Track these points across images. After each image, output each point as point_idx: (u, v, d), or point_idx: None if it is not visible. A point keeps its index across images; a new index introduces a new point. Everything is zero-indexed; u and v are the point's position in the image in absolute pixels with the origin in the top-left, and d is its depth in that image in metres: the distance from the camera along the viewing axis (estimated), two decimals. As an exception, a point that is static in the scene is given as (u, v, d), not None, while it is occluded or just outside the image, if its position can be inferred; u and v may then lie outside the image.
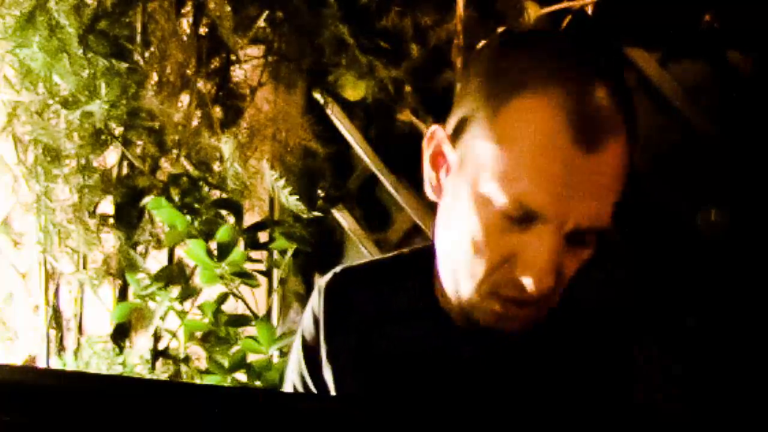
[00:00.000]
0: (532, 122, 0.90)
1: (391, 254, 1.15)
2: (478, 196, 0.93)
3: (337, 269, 1.18)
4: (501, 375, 1.01)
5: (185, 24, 2.11)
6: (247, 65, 2.17)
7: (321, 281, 1.17)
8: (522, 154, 0.90)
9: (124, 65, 1.99)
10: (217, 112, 2.12)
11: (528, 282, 0.92)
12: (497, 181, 0.91)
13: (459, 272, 0.98)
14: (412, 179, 2.21)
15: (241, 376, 1.92)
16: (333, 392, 1.11)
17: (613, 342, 0.99)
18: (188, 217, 1.93)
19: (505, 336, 0.98)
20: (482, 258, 0.95)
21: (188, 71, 2.07)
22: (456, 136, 0.97)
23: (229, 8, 2.04)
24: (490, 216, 0.93)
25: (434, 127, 1.01)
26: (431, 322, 1.04)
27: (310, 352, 1.16)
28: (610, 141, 0.91)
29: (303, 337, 1.17)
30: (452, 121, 0.98)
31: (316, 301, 1.16)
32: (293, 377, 1.19)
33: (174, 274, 2.04)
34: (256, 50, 2.17)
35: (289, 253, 2.04)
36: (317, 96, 2.25)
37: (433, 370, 1.03)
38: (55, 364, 2.16)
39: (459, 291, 0.98)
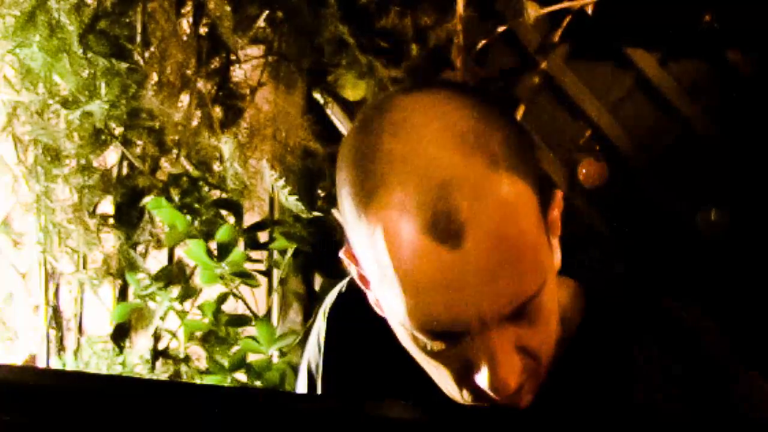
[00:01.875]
0: (386, 235, 0.78)
1: None
2: (396, 322, 0.84)
3: (343, 287, 1.08)
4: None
5: (185, 24, 2.11)
6: (247, 65, 2.16)
7: (325, 303, 1.09)
8: (395, 276, 0.79)
9: (124, 65, 1.99)
10: (217, 112, 2.11)
11: (489, 390, 0.82)
12: (399, 317, 0.82)
13: (435, 381, 0.89)
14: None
15: (241, 376, 1.92)
16: None
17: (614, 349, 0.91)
18: (188, 217, 1.93)
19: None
20: (440, 375, 0.86)
21: (188, 71, 2.07)
22: (357, 256, 0.86)
23: (229, 8, 2.04)
24: (419, 346, 0.84)
25: (341, 254, 0.91)
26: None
27: (311, 374, 1.10)
28: (473, 218, 0.76)
29: (309, 359, 1.11)
30: (350, 240, 0.87)
31: (320, 324, 1.09)
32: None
33: (174, 274, 2.04)
34: (256, 50, 2.17)
35: (289, 253, 2.04)
36: (317, 96, 2.24)
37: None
38: (55, 364, 2.16)
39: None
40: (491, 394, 0.82)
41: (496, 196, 0.77)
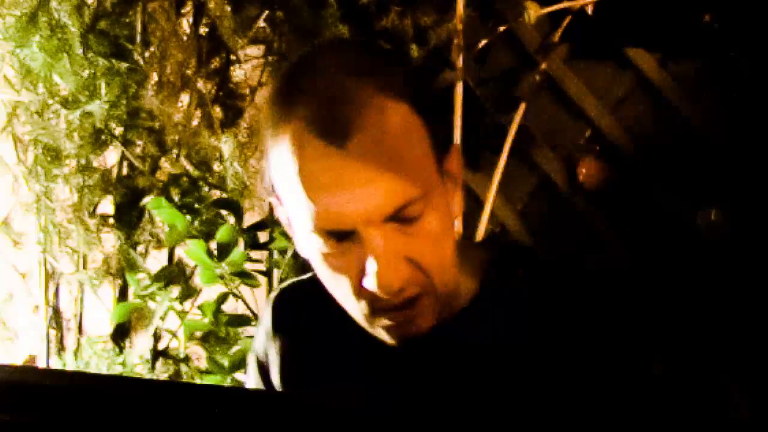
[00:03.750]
0: (291, 147, 0.93)
1: None
2: (305, 239, 0.97)
3: (285, 283, 1.20)
4: (439, 371, 1.01)
5: (185, 24, 2.11)
6: (247, 65, 2.17)
7: (270, 296, 1.19)
8: (299, 182, 0.92)
9: (124, 65, 1.99)
10: (217, 112, 2.12)
11: (374, 288, 0.93)
12: (303, 221, 0.94)
13: (344, 306, 1.00)
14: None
15: (241, 376, 1.92)
16: None
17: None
18: (188, 217, 1.93)
19: (424, 336, 0.98)
20: (342, 287, 0.97)
21: (188, 71, 2.07)
22: (277, 191, 1.00)
23: (229, 8, 2.04)
24: (320, 251, 0.96)
25: (270, 198, 1.05)
26: (358, 335, 1.03)
27: (262, 368, 1.17)
28: (358, 123, 0.91)
29: (257, 352, 1.19)
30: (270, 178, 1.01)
31: (266, 316, 1.18)
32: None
33: (174, 274, 2.04)
34: (256, 50, 2.17)
35: (289, 253, 2.04)
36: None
37: (374, 383, 1.03)
38: (55, 364, 2.16)
39: (354, 319, 1.00)
40: (377, 292, 0.93)
41: (380, 111, 0.91)
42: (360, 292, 0.96)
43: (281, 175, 0.95)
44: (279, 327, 1.16)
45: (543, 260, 1.08)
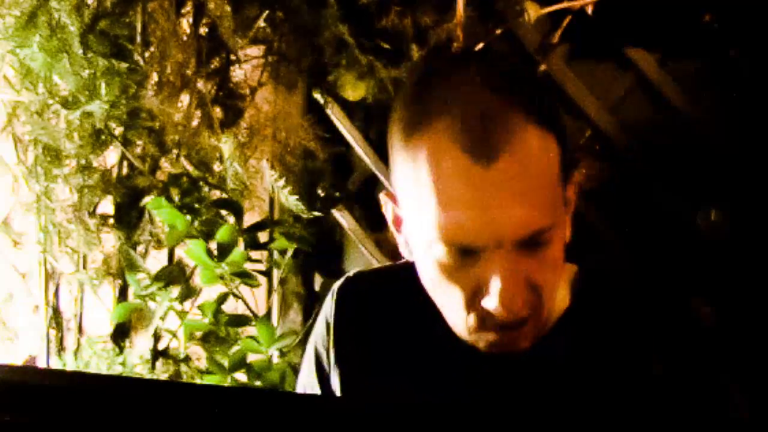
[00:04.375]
0: (429, 157, 0.92)
1: (402, 261, 1.14)
2: (424, 246, 0.96)
3: (351, 273, 1.18)
4: (514, 389, 1.01)
5: (185, 24, 2.11)
6: (247, 65, 2.16)
7: (334, 285, 1.17)
8: (432, 193, 0.92)
9: (124, 65, 1.99)
10: (217, 112, 2.11)
11: (497, 310, 0.93)
12: (428, 230, 0.93)
13: (444, 314, 1.00)
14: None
15: (241, 376, 1.92)
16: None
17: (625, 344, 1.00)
18: (188, 217, 1.93)
19: (515, 355, 0.99)
20: (452, 299, 0.97)
21: (188, 71, 2.07)
22: (396, 192, 1.00)
23: (229, 8, 2.04)
24: (439, 261, 0.95)
25: (381, 195, 1.06)
26: (441, 336, 1.03)
27: (319, 358, 1.16)
28: (506, 145, 0.90)
29: (315, 343, 1.17)
30: (392, 179, 1.02)
31: (328, 305, 1.16)
32: (305, 381, 1.19)
33: (174, 274, 2.04)
34: (256, 50, 2.17)
35: (289, 253, 2.04)
36: (317, 96, 2.24)
37: (442, 383, 1.03)
38: (55, 364, 2.16)
39: (453, 328, 1.00)
40: (499, 311, 0.93)
41: (527, 136, 0.90)
42: (472, 306, 0.96)
43: (411, 181, 0.94)
44: (343, 318, 1.14)
45: (630, 272, 1.10)
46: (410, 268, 1.11)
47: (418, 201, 0.93)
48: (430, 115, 0.92)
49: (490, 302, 0.93)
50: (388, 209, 1.05)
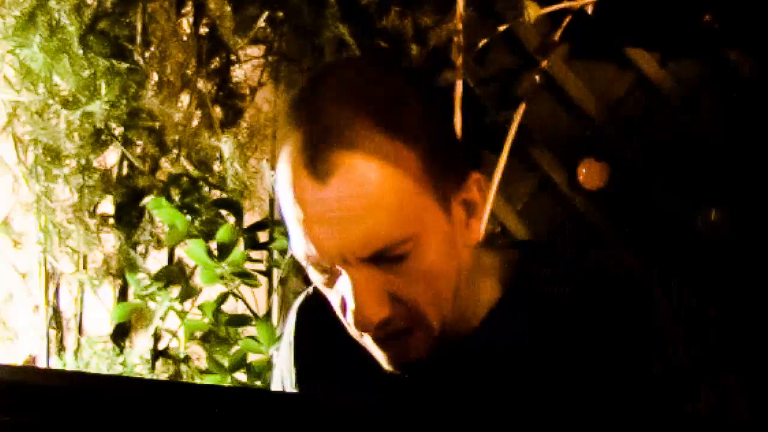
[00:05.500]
0: (284, 171, 0.92)
1: None
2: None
3: (310, 288, 1.15)
4: (460, 384, 0.99)
5: (185, 24, 2.11)
6: (247, 65, 2.16)
7: (295, 302, 1.16)
8: (285, 208, 0.92)
9: (124, 65, 1.99)
10: (217, 112, 2.11)
11: (353, 323, 0.93)
12: (295, 251, 0.94)
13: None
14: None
15: (241, 376, 1.92)
16: None
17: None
18: (188, 217, 1.93)
19: (444, 351, 0.97)
20: (337, 309, 0.97)
21: (188, 71, 2.07)
22: None
23: (229, 8, 2.04)
24: (311, 275, 0.96)
25: None
26: None
27: (283, 382, 1.14)
28: (345, 161, 0.88)
29: (281, 367, 1.15)
30: None
31: (290, 324, 1.14)
32: None
33: (174, 274, 2.04)
34: (256, 50, 2.17)
35: (289, 253, 2.04)
36: (317, 96, 2.24)
37: (389, 395, 1.01)
38: (55, 364, 2.16)
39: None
40: (354, 326, 0.93)
41: (370, 150, 0.88)
42: (346, 315, 0.95)
43: (279, 193, 0.95)
44: (303, 336, 1.13)
45: (567, 257, 1.05)
46: None
47: (285, 217, 0.94)
48: (291, 124, 0.93)
49: (348, 316, 0.93)
50: None
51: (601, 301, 0.97)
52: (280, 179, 0.93)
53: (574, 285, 0.98)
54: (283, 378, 1.14)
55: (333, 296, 0.96)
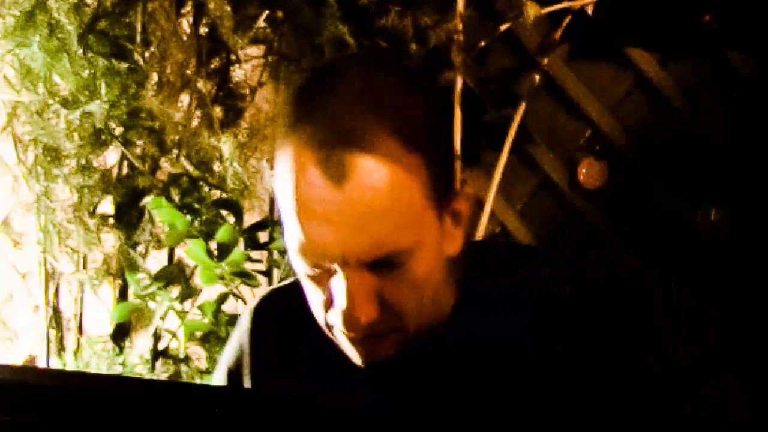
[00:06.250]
0: (292, 163, 0.91)
1: None
2: (292, 256, 0.95)
3: (266, 291, 1.16)
4: (422, 383, 0.99)
5: (185, 24, 2.11)
6: (247, 65, 2.16)
7: (249, 306, 1.15)
8: (289, 200, 0.91)
9: (124, 65, 1.99)
10: (217, 112, 2.11)
11: (339, 324, 0.93)
12: (287, 237, 0.93)
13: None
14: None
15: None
16: None
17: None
18: (188, 217, 1.93)
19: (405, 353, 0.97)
20: (315, 310, 0.97)
21: (188, 71, 2.06)
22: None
23: (229, 8, 2.04)
24: (298, 269, 0.95)
25: None
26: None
27: (231, 380, 1.13)
28: (362, 164, 0.88)
29: (228, 365, 1.14)
30: None
31: (243, 329, 1.13)
32: None
33: (174, 274, 2.04)
34: (256, 50, 2.17)
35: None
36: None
37: (352, 395, 1.01)
38: (55, 364, 2.16)
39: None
40: (341, 327, 0.93)
41: (386, 157, 0.89)
42: (328, 313, 0.95)
43: (279, 187, 0.94)
44: (260, 341, 1.11)
45: (523, 251, 1.07)
46: None
47: (285, 206, 0.93)
48: (300, 120, 0.92)
49: (335, 317, 0.93)
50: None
51: (577, 298, 0.98)
52: (283, 163, 0.92)
53: (529, 288, 1.00)
54: (233, 376, 1.13)
55: (316, 291, 0.95)
